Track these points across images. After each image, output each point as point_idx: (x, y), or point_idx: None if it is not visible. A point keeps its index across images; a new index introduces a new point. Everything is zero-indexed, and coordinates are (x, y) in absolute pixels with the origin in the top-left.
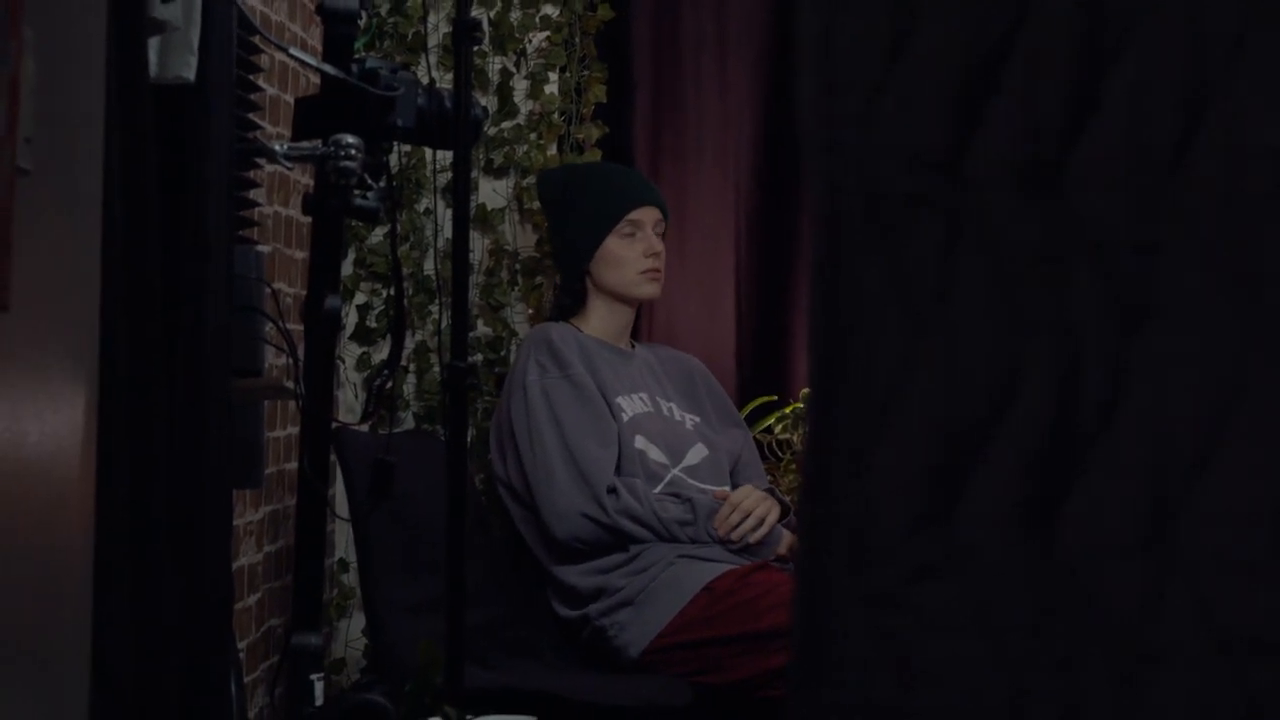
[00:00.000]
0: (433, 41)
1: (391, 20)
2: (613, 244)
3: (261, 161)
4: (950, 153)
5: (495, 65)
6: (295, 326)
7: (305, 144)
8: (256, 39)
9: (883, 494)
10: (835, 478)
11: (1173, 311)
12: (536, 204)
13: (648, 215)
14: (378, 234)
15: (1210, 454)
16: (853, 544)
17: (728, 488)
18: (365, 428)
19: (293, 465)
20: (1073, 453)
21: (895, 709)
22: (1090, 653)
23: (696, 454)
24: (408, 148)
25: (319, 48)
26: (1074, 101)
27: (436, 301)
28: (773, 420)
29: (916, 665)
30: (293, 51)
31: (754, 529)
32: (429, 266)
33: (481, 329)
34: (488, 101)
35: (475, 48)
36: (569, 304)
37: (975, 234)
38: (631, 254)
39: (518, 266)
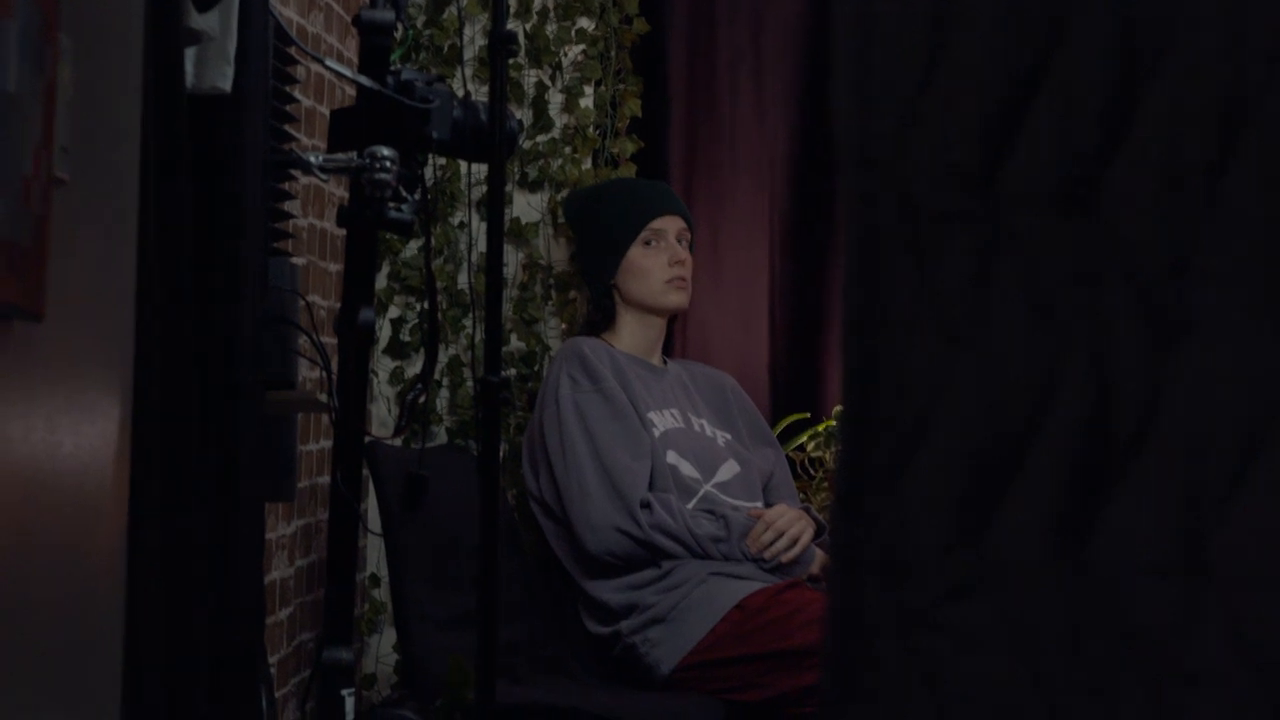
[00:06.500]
0: (468, 54)
1: (428, 32)
2: (636, 255)
3: (296, 173)
4: (985, 171)
5: (531, 78)
6: (329, 339)
7: (340, 156)
8: (293, 50)
9: (916, 512)
10: (868, 495)
11: (1207, 330)
12: None
13: (670, 224)
14: (412, 247)
15: (1244, 473)
16: (886, 562)
17: (760, 504)
18: (398, 442)
19: (325, 479)
20: (1107, 471)
21: None
22: (1125, 672)
23: (728, 470)
24: (443, 160)
25: (355, 59)
26: (1110, 121)
27: (470, 315)
28: (805, 438)
29: (950, 684)
30: (329, 63)
31: (787, 548)
32: (463, 280)
33: (515, 343)
34: (523, 115)
35: (511, 60)
36: (599, 320)
37: (1010, 252)
38: (655, 264)
39: (551, 281)
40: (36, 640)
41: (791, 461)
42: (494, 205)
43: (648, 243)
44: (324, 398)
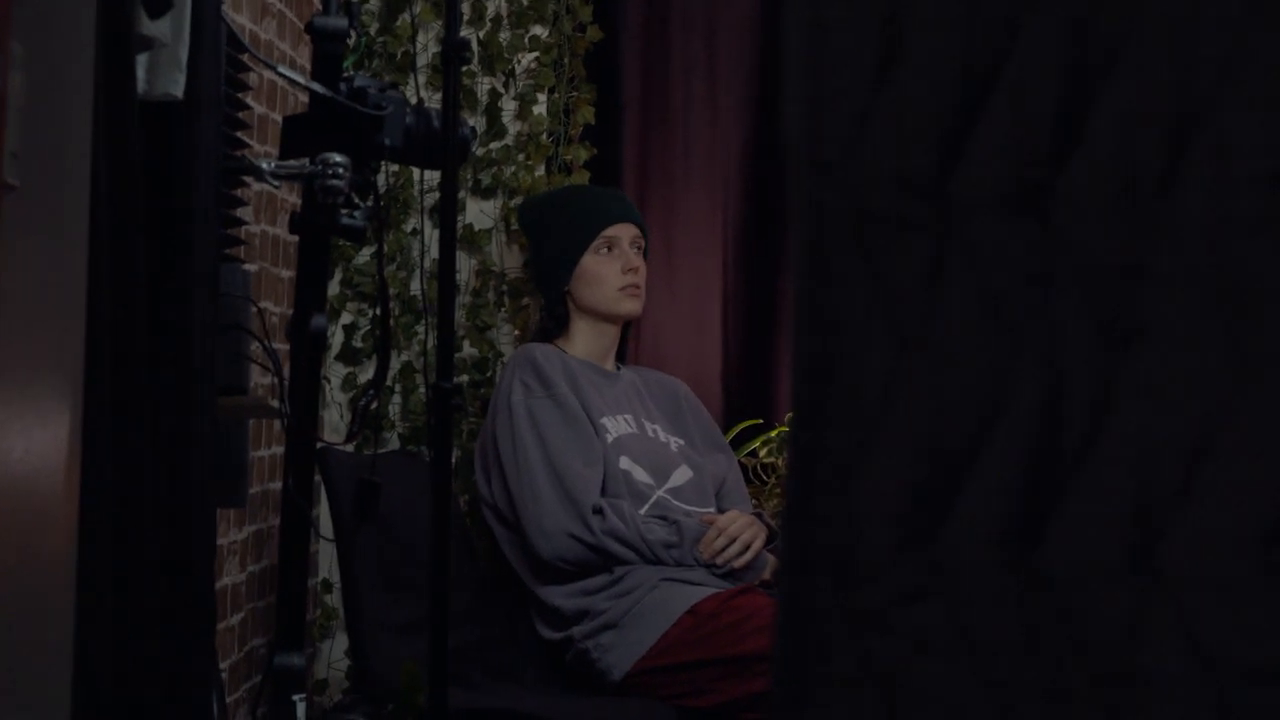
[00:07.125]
0: (421, 61)
1: (380, 40)
2: (589, 262)
3: (249, 180)
4: (936, 175)
5: (484, 85)
6: (281, 346)
7: (293, 162)
8: (245, 57)
9: (868, 514)
10: (821, 497)
11: (1158, 334)
12: None
13: (624, 231)
14: (364, 254)
15: (1195, 476)
16: (838, 564)
17: (713, 510)
18: (350, 448)
19: (277, 485)
20: (1058, 474)
21: None
22: (1076, 674)
23: (681, 475)
24: (395, 167)
25: (308, 66)
26: (1061, 125)
27: (422, 322)
28: (758, 444)
29: (902, 687)
30: (281, 70)
31: (739, 554)
32: (415, 287)
33: (467, 350)
34: (476, 122)
35: (464, 68)
36: (552, 327)
37: (961, 256)
38: (609, 271)
39: (504, 287)
40: None
41: (744, 467)
42: (446, 212)
43: (602, 250)
44: (276, 403)
